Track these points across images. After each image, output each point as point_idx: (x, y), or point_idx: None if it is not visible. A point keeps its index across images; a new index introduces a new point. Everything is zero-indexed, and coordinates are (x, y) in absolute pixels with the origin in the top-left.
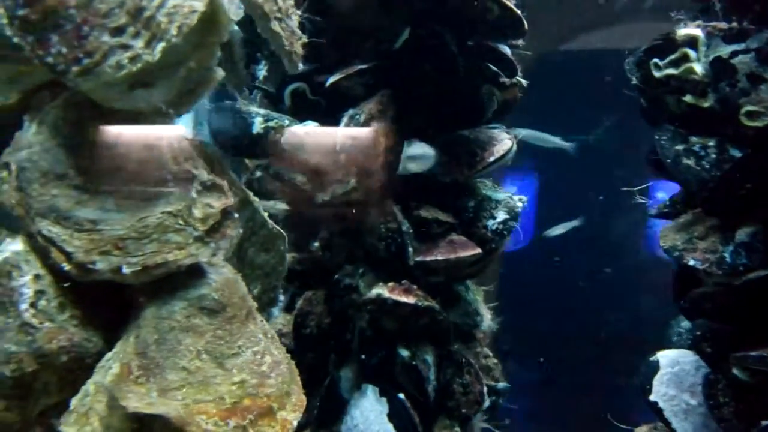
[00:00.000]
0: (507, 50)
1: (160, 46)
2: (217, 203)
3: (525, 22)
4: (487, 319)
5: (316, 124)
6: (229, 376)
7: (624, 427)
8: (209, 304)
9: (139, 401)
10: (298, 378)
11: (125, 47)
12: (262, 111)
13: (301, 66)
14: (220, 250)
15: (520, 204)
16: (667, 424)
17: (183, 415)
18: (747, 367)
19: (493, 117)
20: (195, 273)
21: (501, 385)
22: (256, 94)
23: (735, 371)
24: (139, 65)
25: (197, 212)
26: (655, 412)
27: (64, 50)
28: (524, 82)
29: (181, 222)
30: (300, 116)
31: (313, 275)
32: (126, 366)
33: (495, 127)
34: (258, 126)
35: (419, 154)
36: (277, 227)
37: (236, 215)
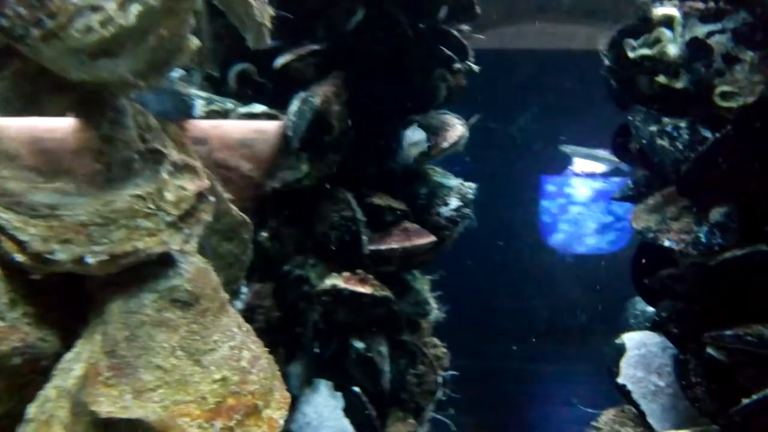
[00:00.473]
0: (457, 34)
1: (136, 8)
2: (191, 185)
3: (477, 6)
4: (435, 308)
5: (264, 108)
6: (208, 374)
7: (591, 411)
8: (182, 296)
9: (112, 405)
10: (279, 373)
11: (95, 8)
12: (203, 94)
13: (269, 41)
14: (193, 237)
15: (470, 191)
16: (636, 406)
17: (164, 418)
18: (722, 346)
19: (443, 103)
20: (165, 262)
21: (447, 374)
22: (195, 75)
23: (710, 350)
24: (112, 30)
25: (169, 195)
26: (623, 395)
27: (23, 11)
28: (476, 68)
29: (151, 206)
30: (245, 100)
31: (261, 267)
32: (93, 367)
33: (445, 113)
34: (200, 110)
35: (419, 139)
36: (242, 214)
37: (212, 198)
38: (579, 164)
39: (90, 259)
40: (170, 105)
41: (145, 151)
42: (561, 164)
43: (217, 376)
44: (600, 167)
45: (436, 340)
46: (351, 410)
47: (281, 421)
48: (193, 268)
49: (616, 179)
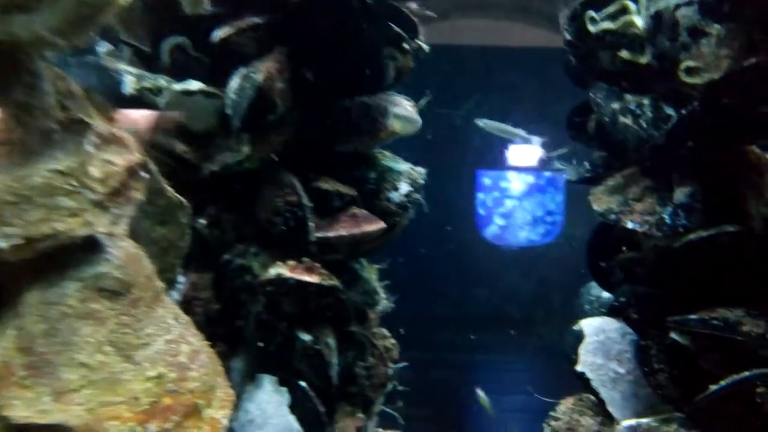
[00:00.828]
0: (407, 11)
1: None
2: (120, 160)
3: None
4: (383, 297)
5: (201, 85)
6: (141, 371)
7: (548, 400)
8: (110, 284)
9: (27, 409)
10: (222, 368)
11: None
12: (133, 69)
13: (207, 6)
14: (122, 218)
15: (421, 176)
16: (595, 393)
17: (88, 422)
18: (687, 330)
19: (391, 84)
20: (90, 247)
21: (398, 366)
22: (123, 50)
23: (674, 335)
24: None
25: (94, 170)
26: (582, 383)
27: None
28: (426, 47)
29: (73, 182)
30: (179, 76)
31: (199, 256)
32: (6, 366)
33: (393, 94)
34: (129, 86)
35: (406, 115)
36: (178, 195)
37: (145, 174)
38: (513, 157)
39: (1, 243)
40: (96, 81)
41: (66, 121)
42: (497, 158)
43: (152, 374)
44: (533, 161)
45: (384, 331)
46: (297, 406)
47: (225, 421)
48: (123, 253)
49: (548, 173)
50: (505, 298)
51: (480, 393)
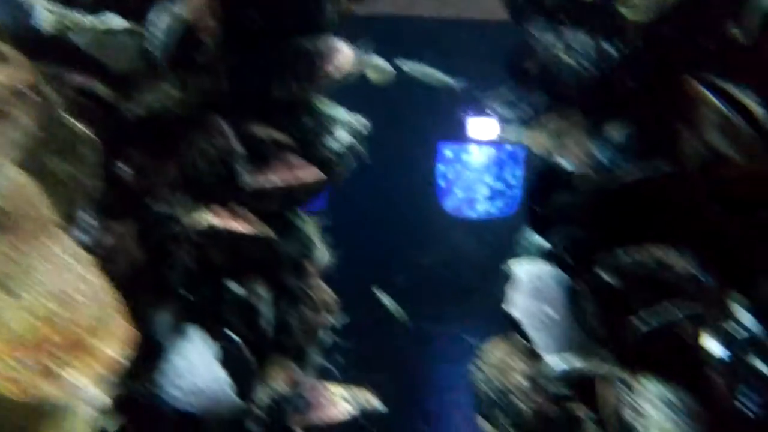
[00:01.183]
0: None
1: None
2: (4, 78)
3: None
4: (322, 249)
5: (123, 22)
6: (24, 306)
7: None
8: None
9: None
10: (121, 306)
11: None
12: (46, 3)
13: None
14: (7, 143)
15: (362, 126)
16: (526, 338)
17: None
18: (617, 270)
19: (330, 29)
20: None
21: (338, 320)
22: None
23: (603, 275)
24: None
25: None
26: (512, 326)
27: None
28: None
29: None
30: (97, 10)
31: (122, 205)
32: None
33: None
34: (45, 21)
35: (380, 66)
36: (84, 129)
37: (35, 97)
38: (474, 130)
39: None
40: (8, 13)
41: None
42: (458, 130)
43: (37, 309)
44: (493, 134)
45: (323, 284)
46: (226, 358)
47: (119, 358)
48: (7, 181)
49: (509, 147)
50: (456, 266)
51: (381, 295)
